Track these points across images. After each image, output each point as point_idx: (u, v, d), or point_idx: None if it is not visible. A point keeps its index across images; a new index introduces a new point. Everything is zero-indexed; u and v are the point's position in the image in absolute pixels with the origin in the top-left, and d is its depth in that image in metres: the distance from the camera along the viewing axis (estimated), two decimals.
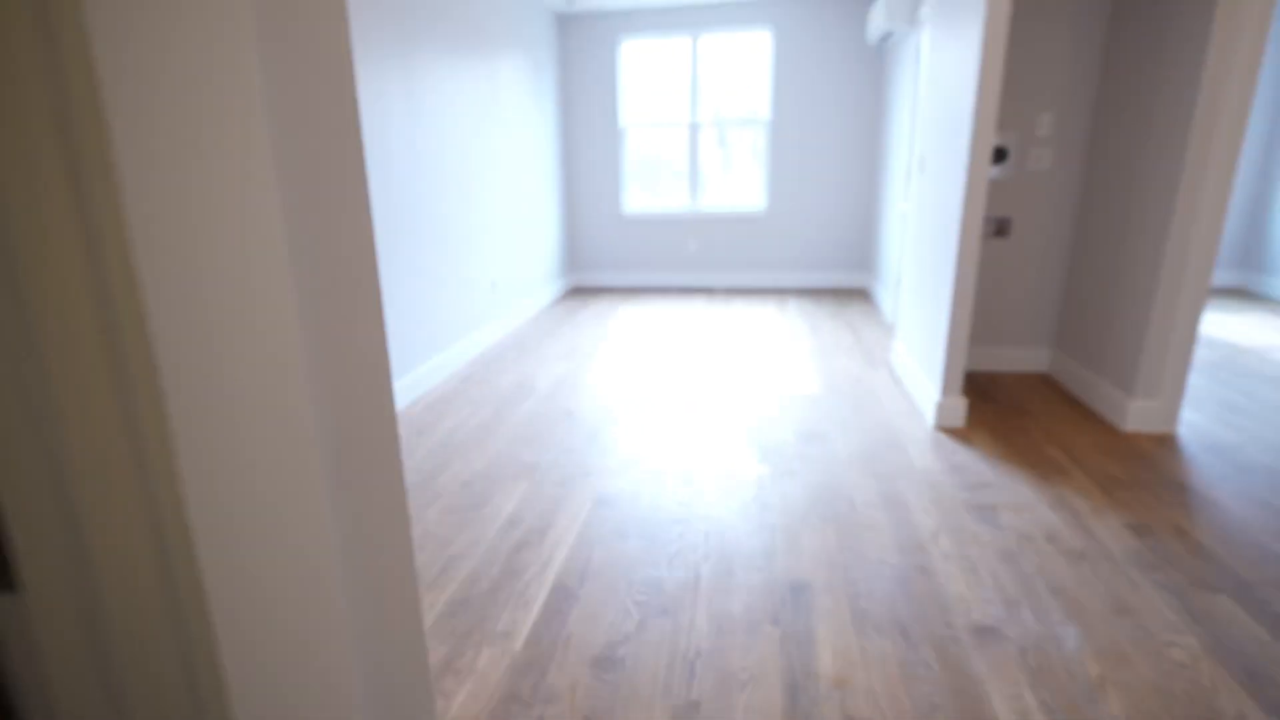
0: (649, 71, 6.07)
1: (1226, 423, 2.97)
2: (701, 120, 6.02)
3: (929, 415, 3.06)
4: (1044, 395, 3.38)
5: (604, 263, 6.48)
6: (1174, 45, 2.68)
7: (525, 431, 3.09)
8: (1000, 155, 3.42)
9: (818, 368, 3.90)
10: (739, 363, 4.03)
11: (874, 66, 5.61)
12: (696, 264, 6.33)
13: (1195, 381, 3.47)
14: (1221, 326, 4.48)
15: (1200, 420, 3.01)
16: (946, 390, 2.96)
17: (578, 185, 6.30)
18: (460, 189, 4.04)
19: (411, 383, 3.49)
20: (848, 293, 5.93)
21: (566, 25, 5.91)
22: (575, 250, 6.50)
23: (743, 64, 5.90)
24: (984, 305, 3.66)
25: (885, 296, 5.06)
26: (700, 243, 6.27)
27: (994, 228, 3.53)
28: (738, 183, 6.20)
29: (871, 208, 5.85)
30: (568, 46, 5.97)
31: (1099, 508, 2.32)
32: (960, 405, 2.98)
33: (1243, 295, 5.38)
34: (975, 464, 2.66)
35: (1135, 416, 2.90)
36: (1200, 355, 3.88)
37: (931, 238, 3.20)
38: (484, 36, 4.31)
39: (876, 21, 4.71)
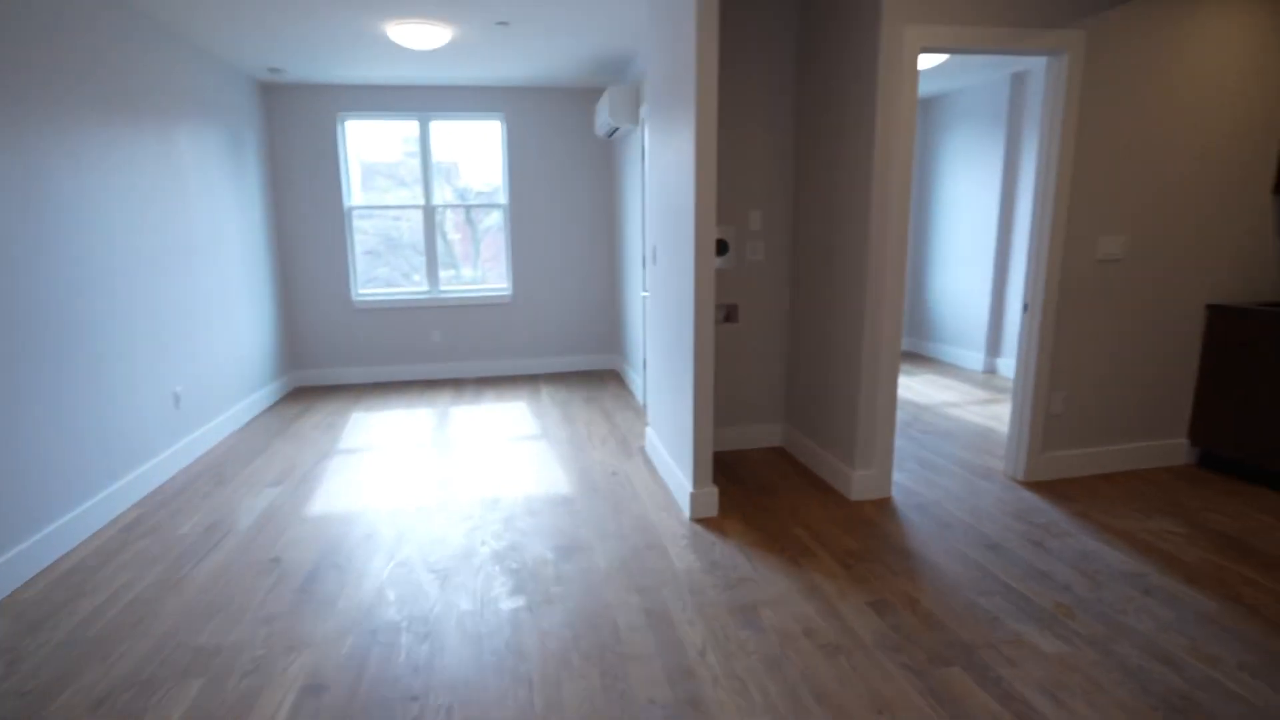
0: (379, 150, 5.66)
1: (926, 481, 3.36)
2: (439, 203, 5.73)
3: (685, 506, 3.01)
4: (783, 471, 3.56)
5: (334, 358, 5.73)
6: (848, 155, 3.09)
7: (209, 598, 2.38)
8: (723, 247, 3.65)
9: (575, 463, 3.71)
10: (491, 465, 3.68)
11: (606, 157, 5.86)
12: (442, 354, 5.90)
13: (896, 443, 3.94)
14: (904, 388, 5.27)
15: (906, 480, 3.37)
16: (698, 481, 2.94)
17: (298, 272, 5.55)
18: (123, 288, 3.20)
19: (31, 552, 2.55)
20: (600, 375, 5.95)
21: (275, 97, 5.29)
22: (297, 345, 5.66)
23: (479, 147, 5.78)
24: (723, 387, 3.82)
25: (636, 378, 5.13)
26: (445, 331, 5.86)
27: (724, 314, 3.73)
28: (484, 268, 5.97)
29: (615, 291, 6.00)
30: (280, 120, 5.32)
31: (843, 588, 2.39)
32: (712, 494, 2.97)
33: (913, 358, 6.47)
34: (732, 556, 2.63)
35: (859, 486, 3.14)
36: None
37: (669, 326, 3.24)
38: (152, 105, 3.58)
39: (603, 116, 4.91)
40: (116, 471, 3.13)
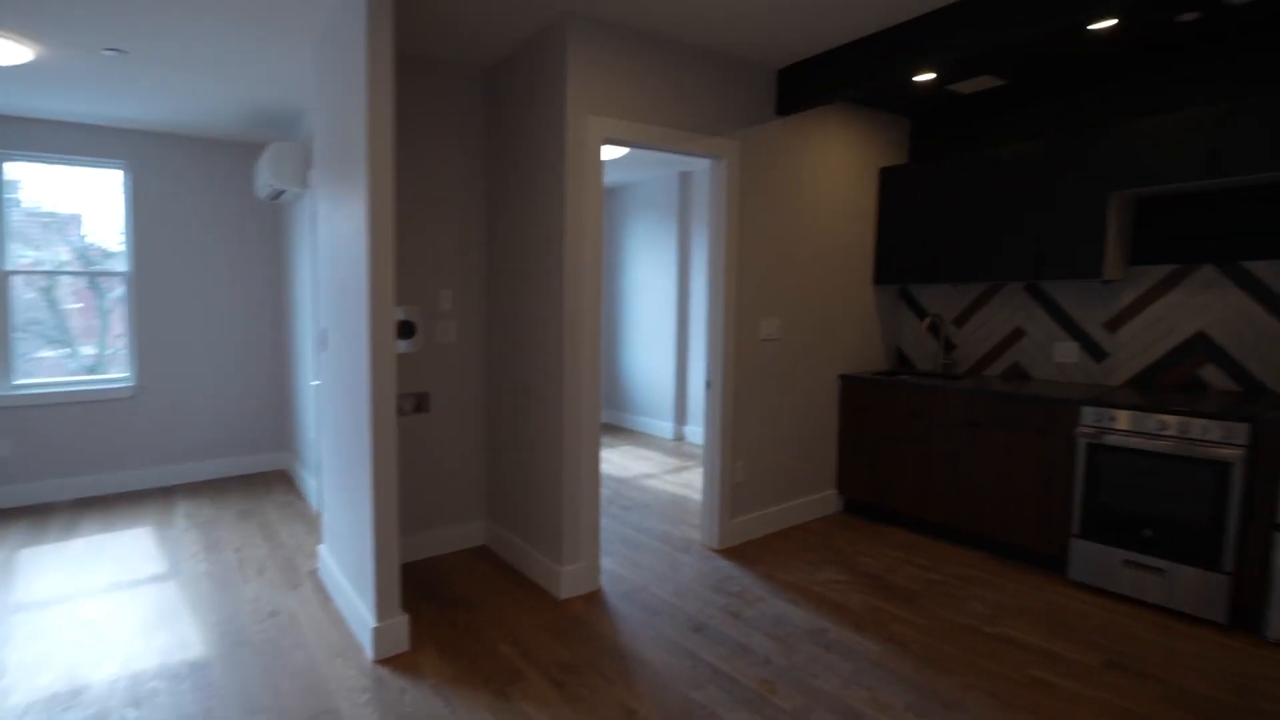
0: None
1: (631, 562, 3.31)
2: (14, 268, 4.28)
3: (367, 645, 2.46)
4: (486, 575, 3.20)
5: None
6: (540, 234, 3.00)
7: None
8: (408, 329, 3.27)
9: (216, 608, 2.86)
10: (76, 635, 2.64)
11: (273, 223, 5.05)
12: (16, 473, 4.30)
13: (601, 523, 3.87)
14: (604, 461, 5.34)
15: (613, 566, 3.28)
16: (383, 611, 2.44)
17: None
18: None
19: None
20: (265, 479, 4.92)
21: None
22: None
23: (87, 199, 4.51)
24: (414, 487, 3.36)
25: (310, 480, 4.32)
26: (21, 440, 4.31)
27: (413, 404, 3.31)
28: (116, 346, 4.59)
29: (285, 378, 5.10)
30: None
31: (558, 716, 2.11)
32: (401, 625, 2.48)
33: (610, 429, 6.68)
34: (427, 704, 2.17)
35: (568, 583, 2.94)
36: None
37: (344, 421, 2.73)
38: None
39: (264, 176, 4.21)
40: None
